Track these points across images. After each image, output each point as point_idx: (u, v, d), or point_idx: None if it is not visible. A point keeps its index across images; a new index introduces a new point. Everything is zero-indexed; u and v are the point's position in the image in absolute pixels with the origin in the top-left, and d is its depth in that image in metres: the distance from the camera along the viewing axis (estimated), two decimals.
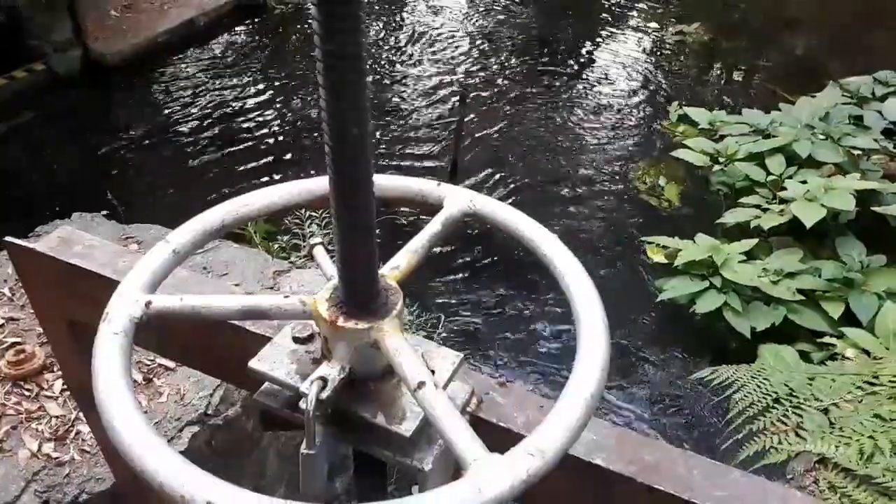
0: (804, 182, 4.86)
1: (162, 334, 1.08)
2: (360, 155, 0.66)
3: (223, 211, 0.91)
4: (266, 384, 0.84)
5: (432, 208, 1.00)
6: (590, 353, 0.75)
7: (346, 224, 0.70)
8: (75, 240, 1.17)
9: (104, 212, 3.18)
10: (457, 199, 0.96)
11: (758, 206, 5.01)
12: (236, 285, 2.14)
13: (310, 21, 0.60)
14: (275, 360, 0.82)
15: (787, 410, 2.04)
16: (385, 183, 0.98)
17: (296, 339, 0.83)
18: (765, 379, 2.25)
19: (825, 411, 1.99)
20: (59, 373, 2.05)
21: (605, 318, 0.81)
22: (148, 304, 0.77)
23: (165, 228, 2.52)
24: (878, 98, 6.16)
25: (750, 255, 4.62)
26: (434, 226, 0.93)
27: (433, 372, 0.77)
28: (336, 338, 0.75)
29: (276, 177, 5.74)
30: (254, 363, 0.82)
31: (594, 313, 0.80)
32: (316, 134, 6.35)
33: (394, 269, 0.85)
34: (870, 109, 5.97)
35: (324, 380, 0.73)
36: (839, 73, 6.75)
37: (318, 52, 0.60)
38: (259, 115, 6.52)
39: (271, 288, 2.18)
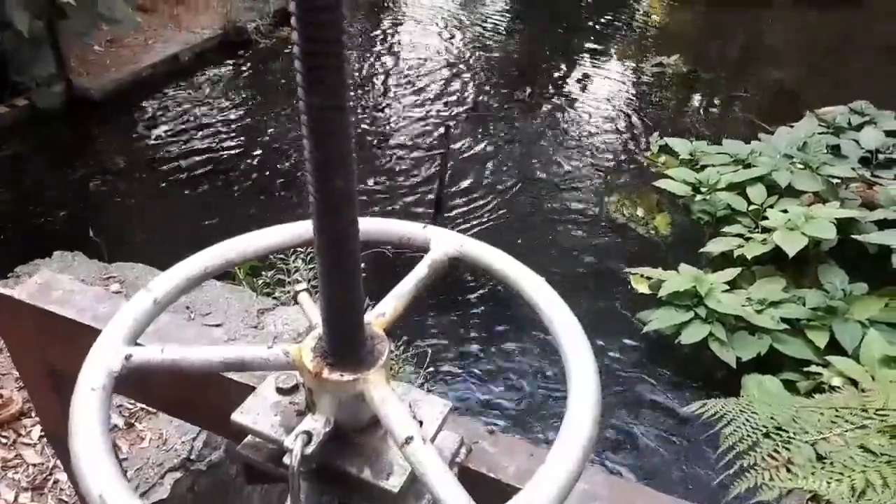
0: (785, 211, 4.92)
1: (144, 383, 1.06)
2: (345, 206, 0.65)
3: (207, 257, 0.89)
4: (249, 437, 0.82)
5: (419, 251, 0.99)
6: (580, 403, 0.74)
7: (332, 274, 0.69)
8: (54, 285, 1.15)
9: (84, 250, 3.13)
10: (443, 242, 0.96)
11: (740, 235, 5.05)
12: (219, 325, 2.11)
13: (294, 73, 0.59)
14: (258, 412, 0.80)
15: (777, 445, 2.03)
16: (370, 226, 0.97)
17: (280, 390, 0.81)
18: (753, 412, 2.24)
19: (815, 445, 1.99)
20: (38, 419, 2.00)
21: (596, 365, 0.80)
22: (128, 357, 0.75)
23: (148, 267, 2.50)
24: (853, 127, 6.28)
25: (733, 285, 4.65)
26: (421, 270, 0.92)
27: (421, 423, 0.75)
28: (321, 390, 0.73)
29: (264, 211, 5.71)
30: (237, 416, 0.80)
31: (584, 361, 0.79)
32: (302, 168, 6.36)
33: (380, 315, 0.83)
34: (846, 139, 6.08)
35: (308, 434, 0.71)
36: (816, 104, 6.89)
37: (301, 104, 0.60)
38: (244, 150, 6.52)
39: (255, 327, 2.15)
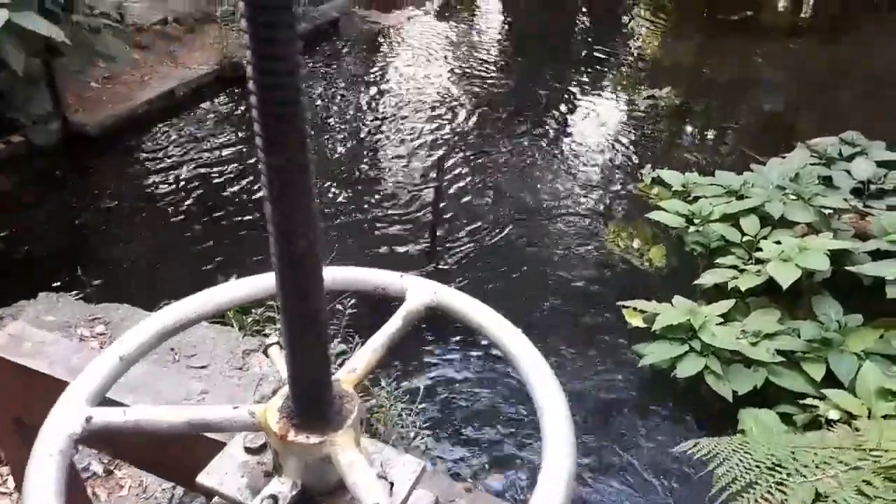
0: (778, 242, 4.91)
1: (110, 441, 1.03)
2: (309, 265, 0.64)
3: (177, 311, 0.88)
4: (217, 498, 0.80)
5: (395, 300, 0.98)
6: (555, 462, 0.72)
7: (296, 334, 0.68)
8: (26, 336, 1.13)
9: (75, 288, 3.11)
10: (419, 292, 0.94)
11: (734, 267, 5.05)
12: (203, 367, 2.08)
13: (253, 134, 0.58)
14: (226, 473, 0.78)
15: (771, 487, 1.99)
16: (344, 275, 0.96)
17: (248, 450, 0.80)
18: (746, 452, 2.21)
19: (811, 486, 1.95)
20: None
21: (571, 422, 0.79)
22: (89, 419, 0.73)
23: (133, 308, 2.48)
24: (845, 158, 6.32)
25: (728, 317, 4.63)
26: (395, 322, 0.91)
27: (392, 484, 0.73)
28: (287, 452, 0.72)
29: (260, 247, 5.70)
30: (202, 478, 0.78)
31: (560, 419, 0.78)
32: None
33: (350, 371, 0.82)
34: (838, 169, 6.11)
35: (274, 498, 0.69)
36: (807, 134, 6.94)
37: (261, 165, 0.59)
38: (240, 185, 6.53)
39: (240, 368, 2.13)
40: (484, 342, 4.86)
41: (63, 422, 0.72)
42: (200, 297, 0.89)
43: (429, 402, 3.95)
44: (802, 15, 12.92)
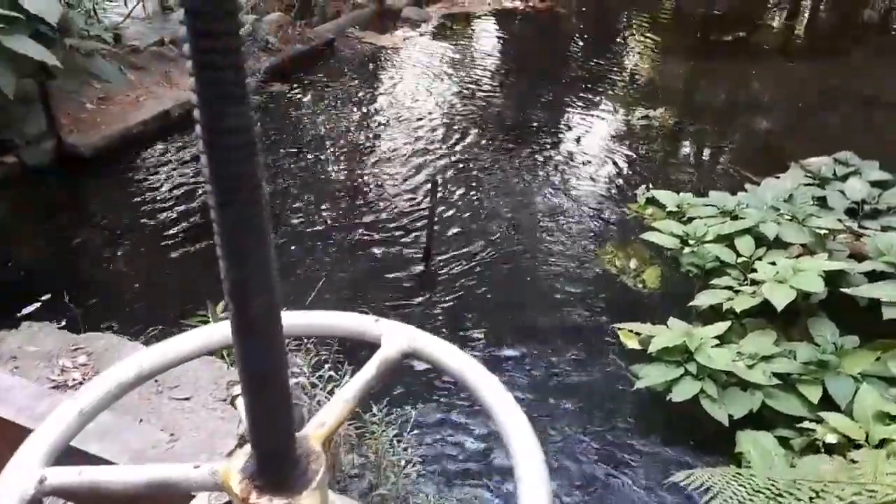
0: (773, 263, 4.90)
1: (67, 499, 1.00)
2: (267, 324, 0.62)
3: (139, 363, 0.85)
4: None
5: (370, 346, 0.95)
6: None
7: (255, 394, 0.65)
8: None
9: (63, 313, 3.08)
10: (395, 338, 0.91)
11: (730, 288, 5.03)
12: (187, 399, 2.04)
13: (205, 191, 0.56)
14: None
15: None
16: (317, 320, 0.93)
17: None
18: (741, 485, 2.17)
19: None
20: None
21: (548, 475, 0.76)
22: (42, 480, 0.70)
23: (118, 337, 2.44)
24: (839, 178, 6.33)
25: (724, 339, 4.60)
26: (369, 370, 0.88)
27: None
28: None
29: None
30: None
31: (536, 476, 0.75)
32: (293, 225, 6.35)
33: (319, 426, 0.78)
34: (832, 189, 6.12)
35: None
36: (801, 154, 6.97)
37: (215, 223, 0.56)
38: None
39: (223, 400, 2.09)
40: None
41: (15, 483, 0.69)
42: (162, 348, 0.86)
43: (421, 428, 3.90)
44: (794, 37, 13.02)
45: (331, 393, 2.66)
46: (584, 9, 13.90)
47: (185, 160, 7.24)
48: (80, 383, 2.07)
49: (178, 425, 1.88)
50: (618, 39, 12.37)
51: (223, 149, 0.52)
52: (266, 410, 0.66)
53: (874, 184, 6.09)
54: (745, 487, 2.14)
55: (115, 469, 0.73)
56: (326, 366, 2.89)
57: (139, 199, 6.51)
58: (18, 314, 4.38)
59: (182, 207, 6.39)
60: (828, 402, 4.08)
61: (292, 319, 0.90)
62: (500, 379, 0.88)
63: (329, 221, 6.43)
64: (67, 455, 0.79)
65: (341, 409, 0.82)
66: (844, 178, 6.28)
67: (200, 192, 6.71)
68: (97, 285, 5.25)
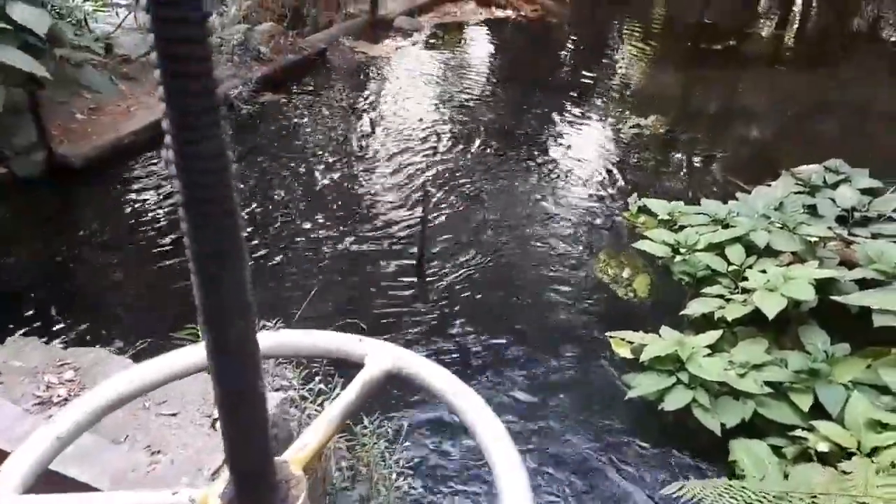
0: (764, 272, 4.92)
1: None
2: (244, 346, 0.61)
3: (117, 386, 0.83)
4: None
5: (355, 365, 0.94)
6: None
7: (231, 417, 0.64)
8: None
9: (53, 326, 3.05)
10: (379, 358, 0.91)
11: (721, 296, 5.03)
12: (174, 415, 2.02)
13: (179, 218, 0.55)
14: None
15: None
16: (302, 340, 0.92)
17: None
18: (732, 497, 2.16)
19: None
20: None
21: (531, 494, 0.75)
22: None
23: (105, 351, 2.42)
24: (829, 185, 6.36)
25: (715, 347, 4.60)
26: (352, 390, 0.87)
27: None
28: None
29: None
30: None
31: (519, 492, 0.74)
32: (285, 236, 6.33)
33: (300, 449, 0.77)
34: (822, 197, 6.15)
35: None
36: (791, 162, 7.00)
37: (188, 248, 0.55)
38: None
39: (209, 416, 2.07)
40: (485, 375, 4.81)
41: None
42: (140, 371, 0.85)
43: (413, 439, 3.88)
44: (784, 46, 13.12)
45: (321, 406, 2.65)
46: (575, 18, 13.96)
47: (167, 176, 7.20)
48: (66, 400, 2.05)
49: (165, 442, 1.86)
50: (609, 48, 12.44)
51: (196, 174, 0.52)
52: (242, 434, 0.65)
53: (864, 191, 6.12)
54: (736, 500, 2.14)
55: (92, 496, 0.71)
56: (317, 378, 2.87)
57: (130, 209, 6.49)
58: (6, 327, 4.35)
59: (173, 218, 6.36)
60: (819, 411, 4.09)
61: (272, 340, 0.89)
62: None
63: (321, 230, 6.42)
64: (46, 480, 0.78)
65: (324, 432, 0.81)
66: (834, 185, 6.30)
67: None
68: (87, 297, 5.22)
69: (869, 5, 12.05)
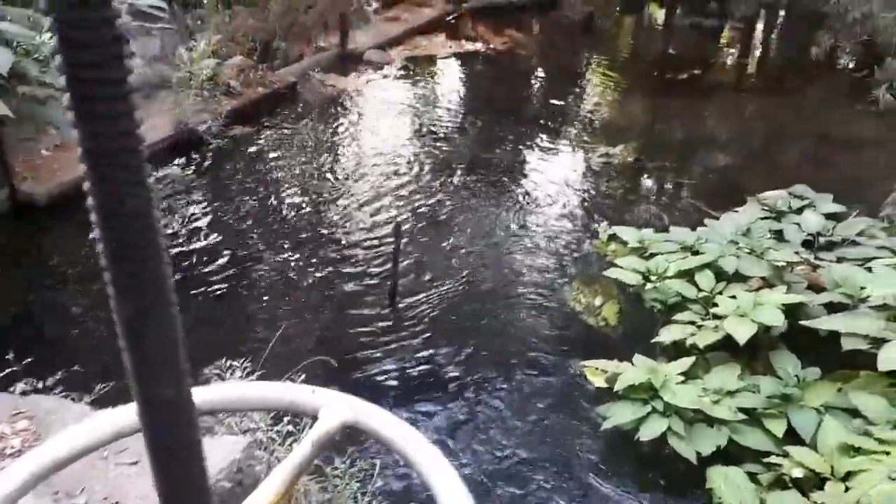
0: (734, 297, 4.96)
1: None
2: (176, 406, 0.58)
3: (55, 449, 0.79)
4: None
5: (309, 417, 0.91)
6: None
7: (166, 478, 0.61)
8: None
9: (11, 372, 2.95)
10: (334, 410, 0.87)
11: (692, 323, 5.06)
12: (134, 463, 1.94)
13: (105, 282, 0.52)
14: None
15: None
16: (250, 393, 0.89)
17: None
18: None
19: None
20: None
21: None
22: None
23: (63, 400, 2.33)
24: (794, 211, 6.47)
25: (689, 374, 4.61)
26: (305, 446, 0.84)
27: None
28: None
29: (213, 320, 5.56)
30: None
31: None
32: (255, 271, 6.26)
33: None
34: (788, 222, 6.25)
35: None
36: (757, 188, 7.12)
37: (114, 311, 0.53)
38: (195, 254, 6.40)
39: None
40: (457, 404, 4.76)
41: None
42: (89, 425, 0.81)
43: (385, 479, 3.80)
44: (747, 75, 13.47)
45: (290, 448, 2.58)
46: (543, 50, 14.21)
47: None
48: (20, 452, 1.97)
49: (124, 491, 1.78)
50: (577, 79, 12.65)
51: (119, 232, 0.49)
52: (176, 494, 0.61)
53: (828, 216, 6.23)
54: None
55: None
56: (285, 419, 2.81)
57: (95, 248, 6.36)
58: None
59: None
60: (793, 436, 4.10)
61: (218, 394, 0.85)
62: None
63: (292, 264, 6.36)
64: None
65: (275, 491, 0.77)
66: (799, 211, 6.42)
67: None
68: (49, 339, 5.08)
69: (826, 35, 12.42)
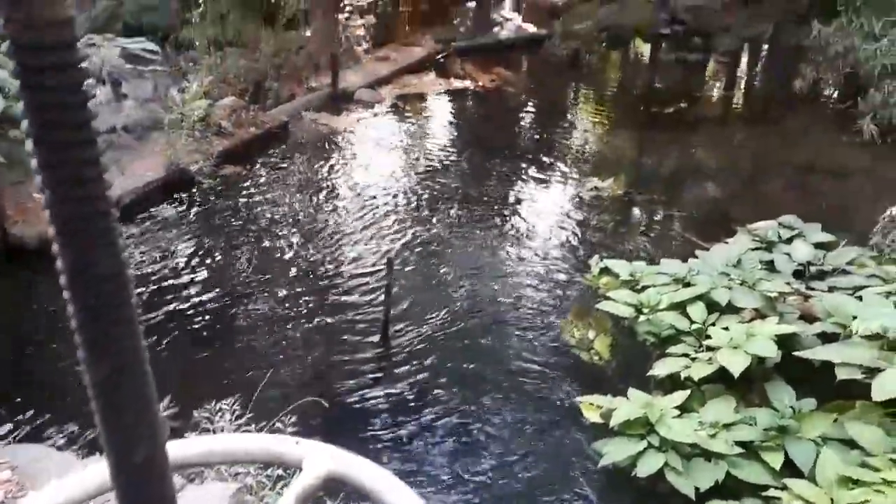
0: (726, 329, 4.95)
1: None
2: (151, 470, 0.56)
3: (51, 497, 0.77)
4: None
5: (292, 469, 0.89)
6: None
7: None
8: None
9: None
10: (318, 461, 0.86)
11: (686, 355, 5.04)
12: None
13: (76, 346, 0.51)
14: None
15: None
16: (232, 446, 0.87)
17: None
18: None
19: None
20: None
21: None
22: None
23: (47, 448, 2.29)
24: (784, 241, 6.51)
25: (684, 408, 4.57)
26: (289, 499, 0.82)
27: None
28: None
29: (206, 364, 5.50)
30: None
31: None
32: (247, 310, 6.22)
33: None
34: (779, 253, 6.27)
35: None
36: (746, 219, 7.16)
37: (86, 373, 0.52)
38: (188, 296, 6.37)
39: None
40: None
41: None
42: (58, 486, 0.79)
43: None
44: (732, 107, 13.67)
45: (280, 493, 2.53)
46: (531, 86, 14.41)
47: (135, 247, 7.11)
48: (2, 503, 1.92)
49: None
50: (566, 114, 12.81)
51: (91, 298, 0.48)
52: None
53: (817, 245, 6.26)
54: None
55: None
56: None
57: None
58: None
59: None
60: (791, 468, 4.06)
61: (198, 448, 0.84)
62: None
63: (283, 303, 6.33)
64: None
65: None
66: (789, 241, 6.45)
67: (148, 283, 6.57)
68: (37, 385, 5.02)
69: (809, 68, 12.66)
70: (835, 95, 12.66)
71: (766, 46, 16.13)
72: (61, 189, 0.44)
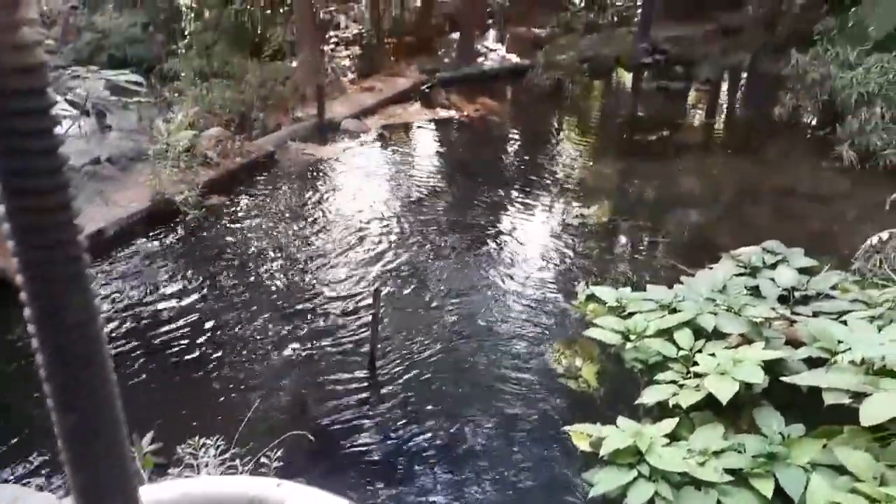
0: (713, 355, 4.95)
1: None
2: None
3: None
4: None
5: None
6: None
7: None
8: None
9: None
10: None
11: (674, 382, 5.03)
12: None
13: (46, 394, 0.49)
14: None
15: None
16: (211, 489, 0.85)
17: None
18: None
19: None
20: None
21: None
22: None
23: (22, 488, 2.23)
24: (768, 266, 6.55)
25: (674, 435, 4.55)
26: None
27: None
28: None
29: (188, 393, 5.42)
30: None
31: None
32: (233, 341, 6.16)
33: None
34: (763, 278, 6.31)
35: None
36: (730, 244, 7.22)
37: (56, 424, 0.50)
38: (172, 326, 6.30)
39: None
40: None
41: None
42: None
43: None
44: (714, 134, 13.87)
45: None
46: (515, 116, 14.56)
47: (115, 277, 7.04)
48: None
49: None
50: (550, 143, 12.93)
51: (61, 346, 0.47)
52: None
53: (801, 270, 6.31)
54: None
55: None
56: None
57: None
58: None
59: (116, 328, 6.15)
60: (782, 495, 4.03)
61: (169, 493, 0.82)
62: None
63: (268, 333, 6.27)
64: None
65: None
66: (773, 266, 6.49)
67: (132, 315, 6.49)
68: (17, 420, 4.91)
69: (788, 95, 12.89)
70: (813, 122, 12.88)
71: (745, 75, 16.44)
72: (29, 236, 0.43)
